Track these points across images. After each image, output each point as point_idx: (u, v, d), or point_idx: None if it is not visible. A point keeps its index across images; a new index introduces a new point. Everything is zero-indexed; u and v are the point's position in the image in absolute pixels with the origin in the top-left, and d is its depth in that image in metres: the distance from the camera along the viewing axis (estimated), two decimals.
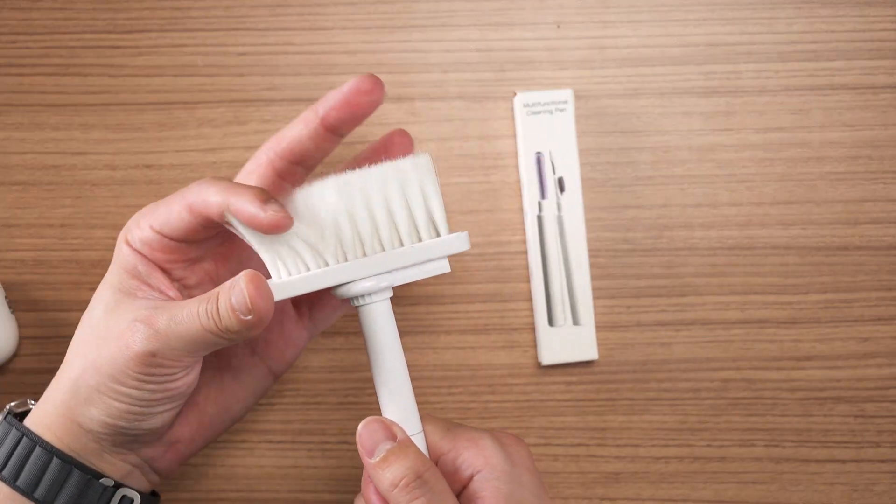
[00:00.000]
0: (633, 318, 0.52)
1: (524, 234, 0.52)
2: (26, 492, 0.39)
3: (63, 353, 0.42)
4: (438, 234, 0.39)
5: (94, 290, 0.41)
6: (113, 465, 0.41)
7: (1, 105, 0.53)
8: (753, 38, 0.52)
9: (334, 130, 0.43)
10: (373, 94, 0.41)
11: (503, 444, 0.39)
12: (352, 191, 0.38)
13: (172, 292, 0.41)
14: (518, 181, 0.52)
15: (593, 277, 0.52)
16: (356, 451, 0.52)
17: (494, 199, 0.52)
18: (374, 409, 0.52)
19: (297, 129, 0.43)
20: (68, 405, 0.40)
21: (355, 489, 0.52)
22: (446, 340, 0.52)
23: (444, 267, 0.39)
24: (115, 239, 0.52)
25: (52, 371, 0.52)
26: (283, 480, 0.52)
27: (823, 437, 0.52)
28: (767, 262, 0.52)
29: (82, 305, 0.52)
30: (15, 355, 0.52)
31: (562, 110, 0.50)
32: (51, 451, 0.39)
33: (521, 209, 0.52)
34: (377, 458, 0.37)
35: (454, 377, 0.52)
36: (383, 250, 0.39)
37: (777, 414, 0.52)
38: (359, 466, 0.53)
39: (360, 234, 0.38)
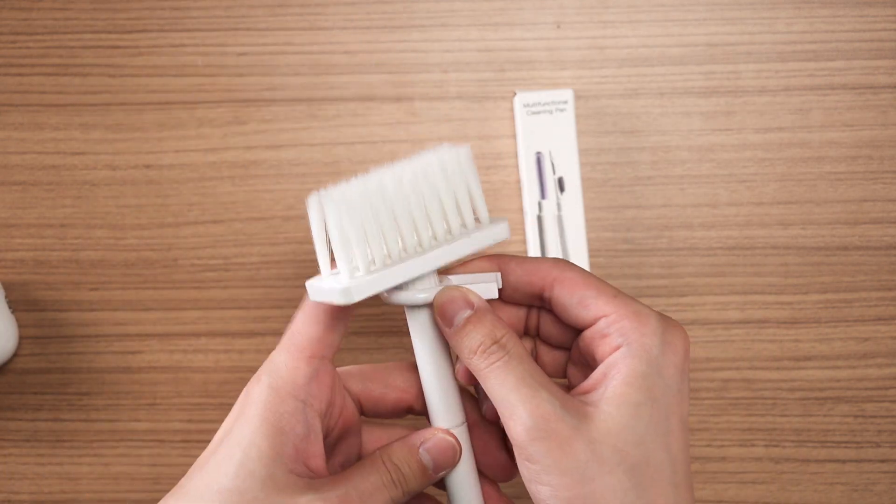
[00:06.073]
0: None
1: (524, 234, 0.52)
2: None
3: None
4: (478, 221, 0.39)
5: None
6: None
7: (1, 105, 0.53)
8: (753, 38, 0.52)
9: None
10: None
11: (665, 329, 0.37)
12: (397, 191, 0.37)
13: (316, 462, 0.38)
14: (518, 181, 0.52)
15: None
16: None
17: (494, 199, 0.52)
18: None
19: None
20: None
21: None
22: None
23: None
24: (115, 239, 0.52)
25: (51, 371, 0.52)
26: None
27: (823, 437, 0.52)
28: (767, 262, 0.52)
29: (82, 305, 0.52)
30: (15, 355, 0.52)
31: (562, 110, 0.50)
32: None
33: (521, 209, 0.52)
34: (455, 328, 0.37)
35: None
36: (432, 245, 0.38)
37: (777, 414, 0.52)
38: None
39: (412, 231, 0.38)
